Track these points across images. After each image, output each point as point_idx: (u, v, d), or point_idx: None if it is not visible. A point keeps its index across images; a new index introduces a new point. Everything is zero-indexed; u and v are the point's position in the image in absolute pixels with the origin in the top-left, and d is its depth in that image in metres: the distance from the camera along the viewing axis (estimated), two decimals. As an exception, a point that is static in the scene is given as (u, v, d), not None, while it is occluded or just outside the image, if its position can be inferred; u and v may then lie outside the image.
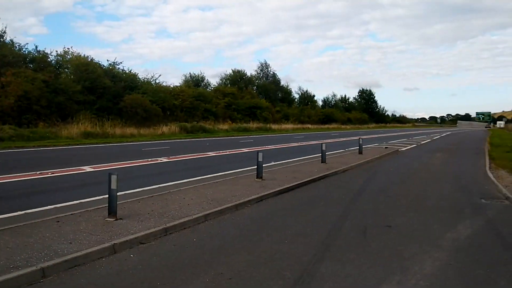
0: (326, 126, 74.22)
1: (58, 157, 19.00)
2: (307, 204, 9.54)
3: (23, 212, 7.80)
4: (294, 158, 19.00)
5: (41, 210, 7.95)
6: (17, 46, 36.63)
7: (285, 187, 11.03)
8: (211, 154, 21.03)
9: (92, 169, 14.33)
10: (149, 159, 17.53)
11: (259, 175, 12.05)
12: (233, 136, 41.13)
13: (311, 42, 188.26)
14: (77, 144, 25.83)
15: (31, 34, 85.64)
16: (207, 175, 13.12)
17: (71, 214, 7.52)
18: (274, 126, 56.83)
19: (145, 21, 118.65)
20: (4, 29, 36.65)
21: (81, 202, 8.71)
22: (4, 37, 37.41)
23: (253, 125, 53.28)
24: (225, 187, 10.75)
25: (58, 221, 6.92)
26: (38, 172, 12.95)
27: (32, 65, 35.87)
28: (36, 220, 6.99)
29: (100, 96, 37.30)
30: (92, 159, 17.44)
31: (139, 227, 6.71)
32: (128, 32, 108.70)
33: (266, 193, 10.07)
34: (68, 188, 10.94)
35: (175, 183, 11.37)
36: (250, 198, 9.41)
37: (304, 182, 12.11)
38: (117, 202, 7.27)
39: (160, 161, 17.29)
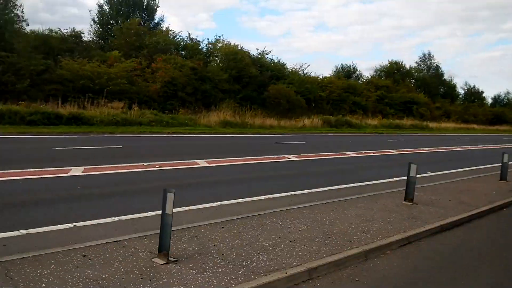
0: (495, 127, 62.82)
1: (181, 145, 18.04)
2: (491, 260, 5.74)
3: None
4: (458, 168, 14.43)
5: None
6: (171, 35, 37.89)
7: (449, 220, 7.27)
8: (351, 154, 17.63)
9: (207, 164, 12.47)
10: (275, 156, 15.05)
11: (408, 195, 8.43)
12: (381, 133, 36.54)
13: (479, 35, 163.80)
14: (213, 133, 24.90)
15: (201, 29, 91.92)
16: (335, 185, 9.97)
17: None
18: (431, 125, 49.61)
19: (305, 16, 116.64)
20: (161, 17, 38.79)
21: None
22: (161, 25, 39.50)
23: (406, 122, 47.33)
24: (355, 211, 7.44)
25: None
26: (145, 164, 11.43)
27: (184, 52, 36.69)
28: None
29: (245, 86, 36.40)
30: (209, 152, 15.76)
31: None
32: (287, 26, 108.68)
33: (417, 231, 6.48)
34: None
35: (281, 196, 8.53)
36: (390, 238, 6.02)
37: (478, 212, 8.10)
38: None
39: (286, 159, 14.66)
